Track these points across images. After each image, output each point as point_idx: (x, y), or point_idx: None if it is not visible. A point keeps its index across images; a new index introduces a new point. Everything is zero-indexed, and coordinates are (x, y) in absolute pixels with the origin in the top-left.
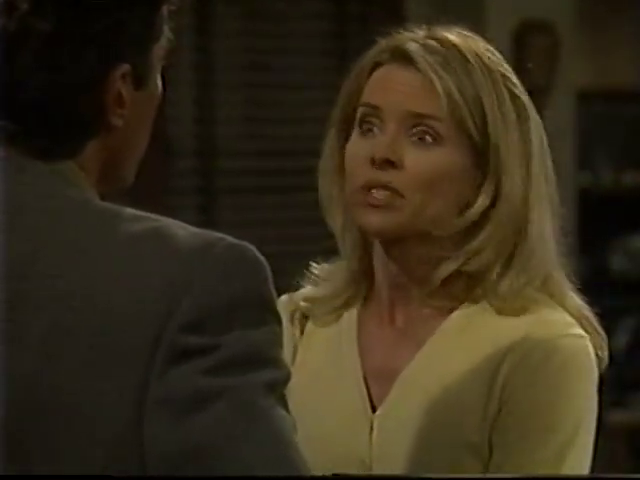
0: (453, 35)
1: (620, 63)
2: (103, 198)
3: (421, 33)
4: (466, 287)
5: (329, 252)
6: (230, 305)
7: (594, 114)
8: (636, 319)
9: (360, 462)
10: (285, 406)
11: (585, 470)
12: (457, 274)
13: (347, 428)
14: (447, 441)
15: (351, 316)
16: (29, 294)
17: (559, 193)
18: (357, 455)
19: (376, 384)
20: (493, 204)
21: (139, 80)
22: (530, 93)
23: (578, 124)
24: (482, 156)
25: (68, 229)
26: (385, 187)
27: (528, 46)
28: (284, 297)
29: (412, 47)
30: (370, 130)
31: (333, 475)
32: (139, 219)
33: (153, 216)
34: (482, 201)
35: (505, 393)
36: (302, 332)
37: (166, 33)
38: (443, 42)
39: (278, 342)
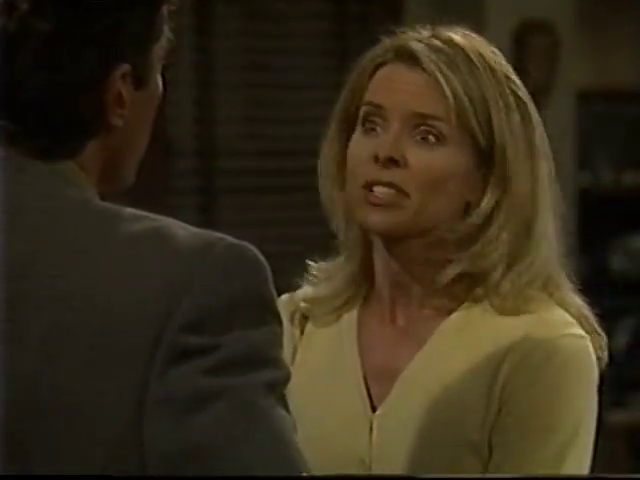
0: (458, 35)
1: (620, 63)
2: (103, 198)
3: (425, 33)
4: (467, 287)
5: (329, 252)
6: (230, 305)
7: (594, 114)
8: (636, 319)
9: (360, 462)
10: (285, 406)
11: (585, 470)
12: (459, 274)
13: (347, 428)
14: (447, 441)
15: (351, 316)
16: (29, 294)
17: (559, 193)
18: (357, 455)
19: (376, 384)
20: (498, 205)
21: (139, 80)
22: (530, 93)
23: (578, 124)
24: (486, 157)
25: (68, 229)
26: (389, 185)
27: (528, 46)
28: (284, 297)
29: (417, 47)
30: (373, 129)
31: (333, 475)
32: (139, 219)
33: (153, 216)
34: (488, 202)
35: (505, 393)
36: (302, 332)
37: (166, 33)
38: (448, 42)
39: (278, 342)
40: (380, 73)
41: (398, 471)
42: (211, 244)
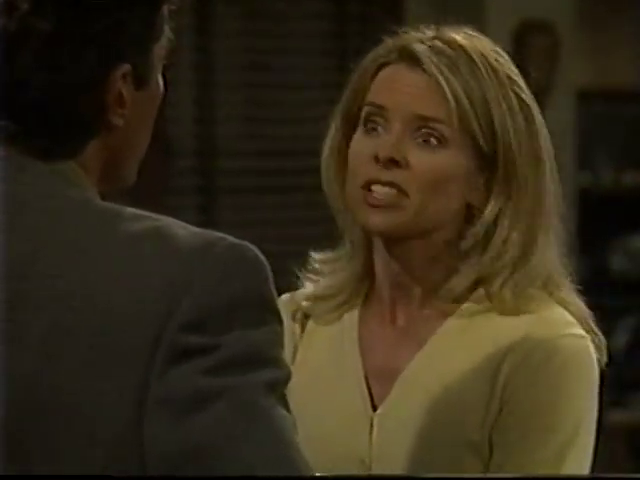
0: (461, 36)
1: (620, 63)
2: (104, 198)
3: (429, 33)
4: (469, 289)
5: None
6: (230, 305)
7: (594, 114)
8: (636, 319)
9: (360, 462)
10: (286, 406)
11: (585, 470)
12: None
13: (347, 427)
14: (448, 441)
15: (352, 315)
16: (29, 294)
17: (560, 193)
18: (357, 455)
19: (377, 383)
20: (503, 210)
21: (140, 80)
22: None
23: (578, 124)
24: (489, 160)
25: (68, 229)
26: (389, 184)
27: (528, 46)
28: (285, 296)
29: (419, 48)
30: (374, 129)
31: (333, 475)
32: (139, 219)
33: (154, 216)
34: (493, 205)
35: (506, 393)
36: (303, 331)
37: (167, 33)
38: (451, 44)
39: (278, 342)
40: (383, 74)
41: (398, 471)
42: (211, 244)
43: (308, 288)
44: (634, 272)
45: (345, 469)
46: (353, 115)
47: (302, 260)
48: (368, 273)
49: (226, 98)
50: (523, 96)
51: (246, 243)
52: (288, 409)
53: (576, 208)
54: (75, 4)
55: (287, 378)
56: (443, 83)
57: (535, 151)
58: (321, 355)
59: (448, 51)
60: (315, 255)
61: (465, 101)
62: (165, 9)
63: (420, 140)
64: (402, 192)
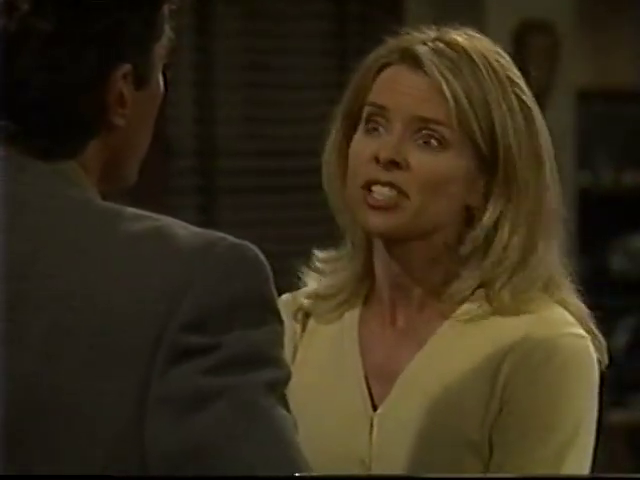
0: (462, 38)
1: (620, 63)
2: (104, 198)
3: (431, 34)
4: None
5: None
6: (231, 305)
7: (594, 114)
8: (636, 319)
9: (360, 462)
10: (286, 406)
11: (585, 470)
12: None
13: (347, 427)
14: (448, 441)
15: (353, 314)
16: (29, 294)
17: (560, 194)
18: (357, 455)
19: (377, 383)
20: (504, 213)
21: (140, 80)
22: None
23: (578, 124)
24: (489, 162)
25: (68, 229)
26: (389, 185)
27: (528, 46)
28: (286, 296)
29: (421, 50)
30: (375, 129)
31: (333, 475)
32: (140, 218)
33: (154, 215)
34: (493, 208)
35: (506, 392)
36: (303, 330)
37: (167, 32)
38: (452, 45)
39: (279, 342)
40: (384, 74)
41: (398, 471)
42: (212, 244)
43: (310, 286)
44: (634, 272)
45: (345, 469)
46: (354, 115)
47: (302, 260)
48: (368, 273)
49: (226, 98)
50: (524, 98)
51: (247, 243)
52: (288, 409)
53: (576, 208)
54: (75, 4)
55: (287, 378)
56: (444, 85)
57: (535, 153)
58: (321, 355)
59: (450, 53)
60: (318, 253)
61: (466, 103)
62: (165, 9)
63: (421, 141)
64: (402, 193)
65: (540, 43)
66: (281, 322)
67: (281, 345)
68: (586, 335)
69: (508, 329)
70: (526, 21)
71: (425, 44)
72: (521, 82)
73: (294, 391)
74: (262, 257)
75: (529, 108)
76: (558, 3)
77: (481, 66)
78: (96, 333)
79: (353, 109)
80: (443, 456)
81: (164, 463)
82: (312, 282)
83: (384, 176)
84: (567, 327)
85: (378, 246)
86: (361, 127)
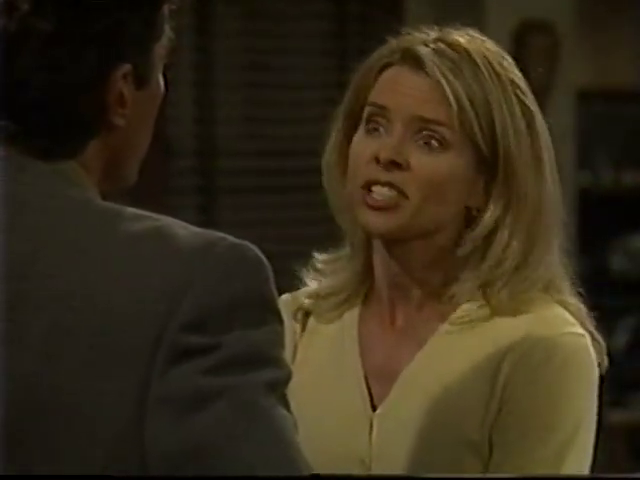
0: (464, 39)
1: (620, 63)
2: (104, 197)
3: (432, 35)
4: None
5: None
6: (231, 305)
7: (594, 114)
8: (636, 319)
9: (360, 462)
10: (286, 405)
11: (585, 469)
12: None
13: (347, 427)
14: (447, 441)
15: (353, 314)
16: (29, 294)
17: (561, 196)
18: (357, 455)
19: (377, 383)
20: (504, 215)
21: (141, 80)
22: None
23: (578, 124)
24: (489, 164)
25: (68, 229)
26: (389, 185)
27: (528, 46)
28: (285, 296)
29: (423, 51)
30: (376, 129)
31: (333, 475)
32: (140, 218)
33: (155, 215)
34: (493, 210)
35: (506, 392)
36: (303, 330)
37: (167, 32)
38: (454, 46)
39: (279, 342)
40: (386, 74)
41: (398, 471)
42: (212, 244)
43: (310, 287)
44: (634, 272)
45: (345, 469)
46: (355, 115)
47: (302, 260)
48: (368, 273)
49: (226, 98)
50: (525, 100)
51: (247, 243)
52: (289, 409)
53: (576, 208)
54: (75, 4)
55: (288, 378)
56: (445, 86)
57: (536, 155)
58: (321, 354)
59: (451, 54)
60: (317, 255)
61: (467, 104)
62: (165, 9)
63: (421, 142)
64: (401, 193)
65: (540, 43)
66: (281, 322)
67: (281, 345)
68: (585, 334)
69: (507, 329)
70: (526, 21)
71: (427, 45)
72: (523, 84)
73: (294, 391)
74: (262, 257)
75: (530, 111)
76: (558, 3)
77: (482, 67)
78: (96, 333)
79: (354, 109)
80: (443, 456)
81: (164, 463)
82: (312, 283)
83: (384, 176)
84: (567, 326)
85: (378, 246)
86: (362, 127)
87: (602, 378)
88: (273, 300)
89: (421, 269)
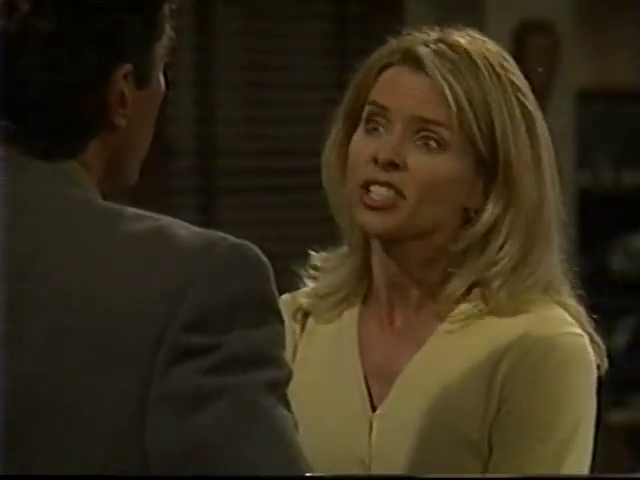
0: (465, 40)
1: (620, 63)
2: (105, 197)
3: (432, 35)
4: (465, 290)
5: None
6: (231, 305)
7: (594, 114)
8: (636, 319)
9: (360, 462)
10: (287, 405)
11: (585, 468)
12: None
13: (347, 428)
14: (447, 441)
15: (352, 313)
16: (29, 294)
17: (561, 197)
18: (356, 455)
19: (376, 383)
20: (502, 215)
21: (141, 79)
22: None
23: (578, 124)
24: (489, 165)
25: (69, 229)
26: (387, 185)
27: (528, 46)
28: (285, 296)
29: (423, 51)
30: (376, 129)
31: (333, 475)
32: (141, 218)
33: (155, 215)
34: (492, 211)
35: (505, 391)
36: (303, 330)
37: (168, 32)
38: (455, 47)
39: (280, 342)
40: (386, 74)
41: (398, 471)
42: (213, 244)
43: (309, 286)
44: (634, 272)
45: (345, 469)
46: (355, 114)
47: (302, 260)
48: (366, 272)
49: (226, 98)
50: (525, 102)
51: (247, 243)
52: (289, 409)
53: (576, 208)
54: (76, 4)
55: (288, 378)
56: (445, 87)
57: (535, 158)
58: (321, 354)
59: (452, 55)
60: (315, 254)
61: (466, 105)
62: (166, 8)
63: (420, 143)
64: (399, 193)
65: (540, 43)
66: (282, 322)
67: (282, 345)
68: (583, 334)
69: (506, 328)
70: (526, 21)
71: (427, 45)
72: (523, 85)
73: (294, 391)
74: (263, 257)
75: (530, 112)
76: (558, 3)
77: (483, 68)
78: (96, 333)
79: (354, 108)
80: (443, 456)
81: (165, 463)
82: (310, 282)
83: (382, 176)
84: (566, 326)
85: (376, 247)
86: (361, 126)
87: (601, 380)
88: (274, 300)
89: (419, 269)
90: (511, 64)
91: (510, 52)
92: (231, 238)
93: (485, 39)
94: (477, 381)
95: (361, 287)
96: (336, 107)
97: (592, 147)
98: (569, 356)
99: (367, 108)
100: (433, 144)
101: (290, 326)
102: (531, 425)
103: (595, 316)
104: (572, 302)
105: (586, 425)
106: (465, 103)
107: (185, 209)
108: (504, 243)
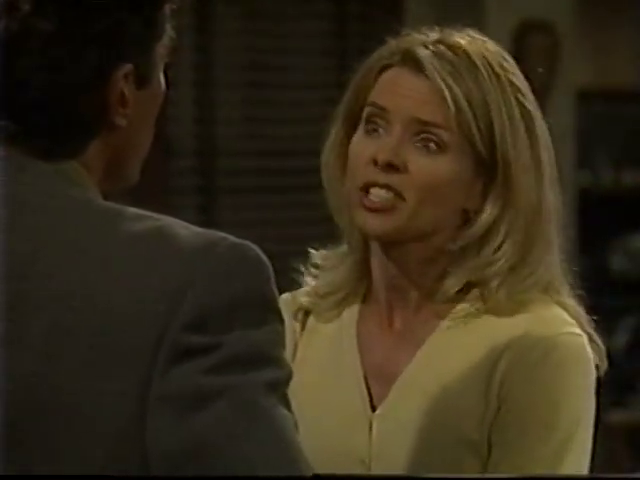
0: (465, 41)
1: (620, 63)
2: (105, 197)
3: (432, 36)
4: (464, 290)
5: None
6: (231, 305)
7: (594, 114)
8: (636, 319)
9: (360, 462)
10: (287, 405)
11: (585, 467)
12: None
13: (346, 427)
14: (447, 441)
15: (352, 313)
16: (29, 294)
17: (560, 197)
18: (356, 454)
19: (376, 383)
20: (501, 215)
21: (142, 79)
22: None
23: (578, 124)
24: (488, 166)
25: (69, 229)
26: (386, 187)
27: (528, 46)
28: (285, 295)
29: (423, 53)
30: (375, 130)
31: (333, 475)
32: (141, 218)
33: (156, 215)
34: (490, 211)
35: (503, 390)
36: (303, 329)
37: (168, 32)
38: (454, 48)
39: (280, 342)
40: (386, 75)
41: (398, 471)
42: (213, 244)
43: (309, 285)
44: (634, 272)
45: (345, 469)
46: (355, 115)
47: (302, 260)
48: (365, 272)
49: (226, 98)
50: (525, 103)
51: (248, 243)
52: (289, 409)
53: (576, 208)
54: (76, 4)
55: (288, 378)
56: (445, 89)
57: (534, 159)
58: (320, 354)
59: (451, 56)
60: (315, 252)
61: (466, 107)
62: (166, 8)
63: (419, 144)
64: (399, 195)
65: (540, 43)
66: (282, 322)
67: (282, 345)
68: (583, 334)
69: (505, 327)
70: (526, 21)
71: (426, 47)
72: (523, 85)
73: (294, 390)
74: (263, 257)
75: (530, 114)
76: (558, 3)
77: (482, 70)
78: (96, 333)
79: (354, 109)
80: (443, 456)
81: (165, 463)
82: (310, 280)
83: (382, 178)
84: (565, 326)
85: (375, 248)
86: (361, 127)
87: (600, 380)
88: (274, 300)
89: (418, 271)
90: (510, 64)
91: (510, 52)
92: (231, 238)
93: (485, 39)
94: (476, 380)
95: (360, 287)
96: (336, 107)
97: (592, 147)
98: (568, 356)
99: (367, 109)
100: (433, 146)
101: (290, 325)
102: (530, 424)
103: (595, 316)
104: (571, 302)
105: (585, 424)
106: (464, 105)
107: (185, 209)
108: (502, 243)
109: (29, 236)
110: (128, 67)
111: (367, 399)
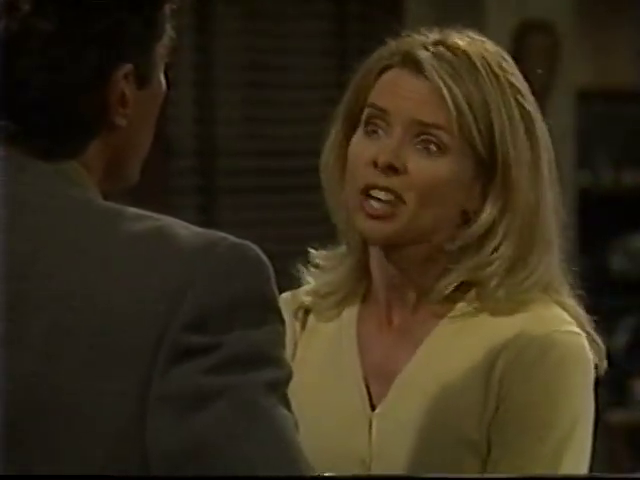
0: (465, 42)
1: (620, 63)
2: (105, 197)
3: (432, 37)
4: (463, 290)
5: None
6: (231, 305)
7: (594, 114)
8: (636, 319)
9: (360, 461)
10: (287, 405)
11: (584, 466)
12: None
13: (346, 427)
14: (446, 440)
15: (351, 312)
16: (29, 294)
17: (560, 198)
18: (356, 454)
19: (376, 383)
20: (500, 216)
21: (142, 79)
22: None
23: (578, 124)
24: (487, 167)
25: (69, 229)
26: (386, 190)
27: (528, 46)
28: (286, 294)
29: (422, 55)
30: (375, 132)
31: (333, 476)
32: (141, 218)
33: (156, 215)
34: (489, 212)
35: (502, 389)
36: (303, 328)
37: (168, 31)
38: (454, 49)
39: (280, 342)
40: (385, 77)
41: (398, 471)
42: (213, 244)
43: (310, 284)
44: (634, 272)
45: (345, 469)
46: (354, 116)
47: (302, 260)
48: (364, 272)
49: (226, 98)
50: (525, 103)
51: (248, 243)
52: (289, 409)
53: (576, 208)
54: (76, 4)
55: (288, 378)
56: (444, 91)
57: (534, 159)
58: (320, 353)
59: (451, 58)
60: (314, 252)
61: (466, 109)
62: (167, 8)
63: (420, 146)
64: (399, 198)
65: (540, 43)
66: (282, 322)
67: (282, 345)
68: (581, 332)
69: (503, 326)
70: (526, 21)
71: (426, 48)
72: (522, 86)
73: (293, 390)
74: (264, 257)
75: (529, 115)
76: (558, 3)
77: (482, 71)
78: (96, 333)
79: (353, 110)
80: (442, 456)
81: (165, 463)
82: (310, 279)
83: (382, 181)
84: (563, 325)
85: (374, 249)
86: (360, 128)
87: (599, 379)
88: (274, 300)
89: (417, 270)
90: (510, 64)
91: (510, 52)
92: (231, 238)
93: (484, 39)
94: (475, 379)
95: (360, 287)
96: (336, 107)
97: (592, 147)
98: (567, 354)
99: (366, 110)
100: (433, 148)
101: (291, 324)
102: (529, 423)
103: (595, 316)
104: (571, 302)
105: (584, 423)
106: (464, 106)
107: (185, 209)
108: (500, 244)
109: (29, 236)
110: (128, 67)
111: (367, 398)
